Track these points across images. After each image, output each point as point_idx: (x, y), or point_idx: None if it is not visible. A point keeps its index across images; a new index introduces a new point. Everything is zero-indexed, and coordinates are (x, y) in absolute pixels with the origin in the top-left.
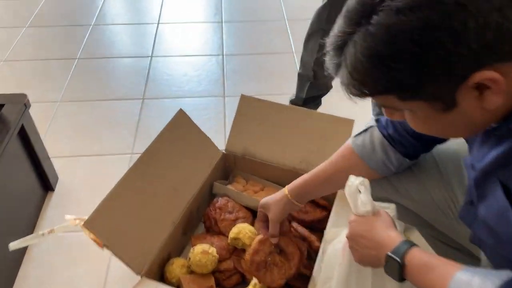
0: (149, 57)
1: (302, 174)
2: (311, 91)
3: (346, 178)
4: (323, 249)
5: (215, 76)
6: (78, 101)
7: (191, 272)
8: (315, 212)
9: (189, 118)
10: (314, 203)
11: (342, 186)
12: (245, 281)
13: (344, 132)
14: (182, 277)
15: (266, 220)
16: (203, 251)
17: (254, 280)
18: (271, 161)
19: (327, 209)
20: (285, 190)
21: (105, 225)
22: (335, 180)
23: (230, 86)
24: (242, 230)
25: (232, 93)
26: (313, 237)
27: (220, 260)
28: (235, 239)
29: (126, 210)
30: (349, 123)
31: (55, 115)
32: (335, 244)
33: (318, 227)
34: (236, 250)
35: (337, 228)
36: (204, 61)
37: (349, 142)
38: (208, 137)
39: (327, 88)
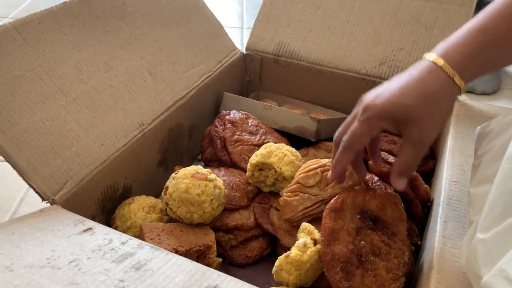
0: None
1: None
2: None
3: None
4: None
5: None
6: None
7: (169, 220)
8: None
9: None
10: None
11: None
12: (274, 250)
13: (459, 15)
14: (145, 225)
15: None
16: (196, 173)
17: (292, 254)
18: (325, 63)
19: (434, 158)
20: (435, 58)
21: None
22: None
23: None
24: (276, 150)
25: None
26: (420, 180)
27: (230, 209)
28: (261, 165)
29: (47, 88)
30: (469, 3)
31: None
32: None
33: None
34: (260, 193)
35: None
36: None
37: None
38: (220, 24)
39: None
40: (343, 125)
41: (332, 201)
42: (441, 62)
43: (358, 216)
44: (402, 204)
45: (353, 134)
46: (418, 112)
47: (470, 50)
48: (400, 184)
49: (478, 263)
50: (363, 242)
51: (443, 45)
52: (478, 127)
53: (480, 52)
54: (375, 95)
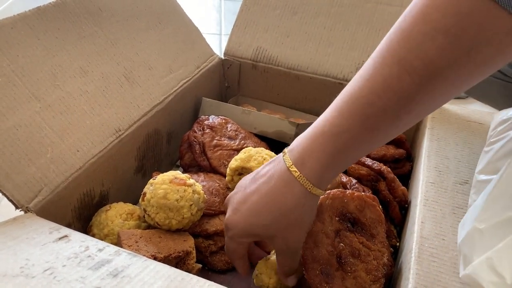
0: None
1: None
2: None
3: None
4: None
5: None
6: None
7: (147, 227)
8: (387, 148)
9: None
10: None
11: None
12: None
13: None
14: (123, 232)
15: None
16: (175, 179)
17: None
18: (303, 68)
19: (405, 145)
20: (291, 164)
21: None
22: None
23: None
24: (255, 155)
25: None
26: (397, 182)
27: (210, 214)
28: (241, 170)
29: (24, 95)
30: None
31: None
32: None
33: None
34: None
35: None
36: None
37: None
38: (198, 29)
39: None
40: None
41: None
42: (296, 173)
43: (337, 218)
44: (380, 206)
45: (228, 250)
46: (277, 229)
47: (326, 158)
48: (290, 281)
49: (471, 250)
50: (342, 244)
51: (300, 149)
52: (499, 111)
53: (336, 158)
54: (233, 209)
